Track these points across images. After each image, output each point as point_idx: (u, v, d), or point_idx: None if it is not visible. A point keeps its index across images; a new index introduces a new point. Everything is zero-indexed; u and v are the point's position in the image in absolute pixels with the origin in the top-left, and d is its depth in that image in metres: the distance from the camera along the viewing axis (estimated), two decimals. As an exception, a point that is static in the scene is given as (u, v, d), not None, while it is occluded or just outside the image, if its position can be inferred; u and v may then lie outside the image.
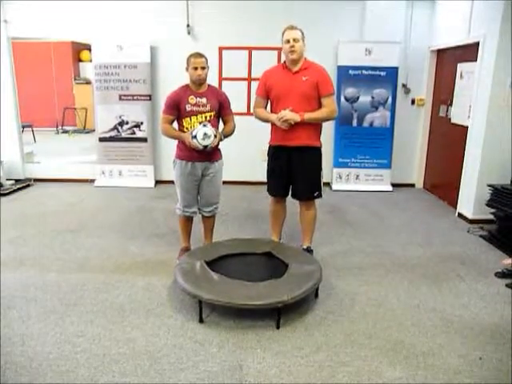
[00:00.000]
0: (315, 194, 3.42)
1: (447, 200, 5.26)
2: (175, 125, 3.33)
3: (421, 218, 4.77)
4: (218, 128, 3.29)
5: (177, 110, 3.21)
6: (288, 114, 3.15)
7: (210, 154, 3.27)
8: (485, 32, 4.33)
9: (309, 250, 3.48)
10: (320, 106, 3.26)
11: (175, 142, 3.35)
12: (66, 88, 10.78)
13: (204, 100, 3.20)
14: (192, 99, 3.18)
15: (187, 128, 3.21)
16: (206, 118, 3.21)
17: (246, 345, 2.43)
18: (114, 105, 5.74)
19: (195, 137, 3.09)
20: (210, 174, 3.32)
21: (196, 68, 3.12)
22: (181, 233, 3.56)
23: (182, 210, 3.41)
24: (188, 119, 3.21)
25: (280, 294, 2.58)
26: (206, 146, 3.12)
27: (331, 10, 5.59)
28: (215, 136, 3.14)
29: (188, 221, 3.49)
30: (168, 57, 5.70)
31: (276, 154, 3.41)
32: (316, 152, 3.37)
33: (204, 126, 3.12)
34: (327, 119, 3.32)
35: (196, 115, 3.20)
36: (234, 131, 3.38)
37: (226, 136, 3.32)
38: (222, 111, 3.32)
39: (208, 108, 3.21)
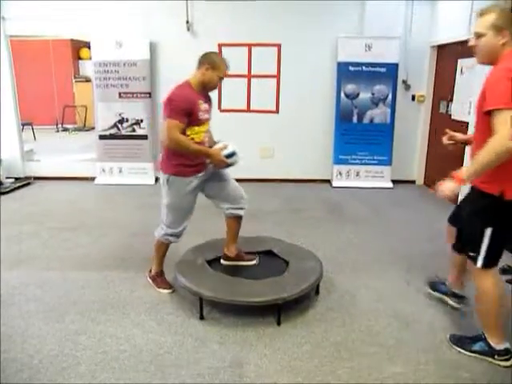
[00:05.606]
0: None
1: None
2: None
3: (421, 214, 4.77)
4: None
5: (188, 116, 2.60)
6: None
7: None
8: (485, 27, 4.31)
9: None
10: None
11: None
12: (65, 86, 10.78)
13: (207, 106, 2.76)
14: (201, 104, 2.66)
15: (192, 138, 2.66)
16: (207, 127, 2.79)
17: (246, 341, 2.43)
18: (114, 102, 5.74)
19: (231, 156, 2.69)
20: (220, 172, 2.87)
21: (221, 78, 2.70)
22: (156, 257, 2.99)
23: (175, 237, 2.86)
24: (196, 128, 2.67)
25: (280, 290, 2.59)
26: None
27: (331, 6, 5.58)
28: None
29: (168, 245, 2.97)
30: (168, 54, 5.69)
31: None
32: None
33: (229, 144, 2.74)
34: None
35: (204, 123, 2.73)
36: None
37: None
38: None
39: (209, 115, 2.80)
